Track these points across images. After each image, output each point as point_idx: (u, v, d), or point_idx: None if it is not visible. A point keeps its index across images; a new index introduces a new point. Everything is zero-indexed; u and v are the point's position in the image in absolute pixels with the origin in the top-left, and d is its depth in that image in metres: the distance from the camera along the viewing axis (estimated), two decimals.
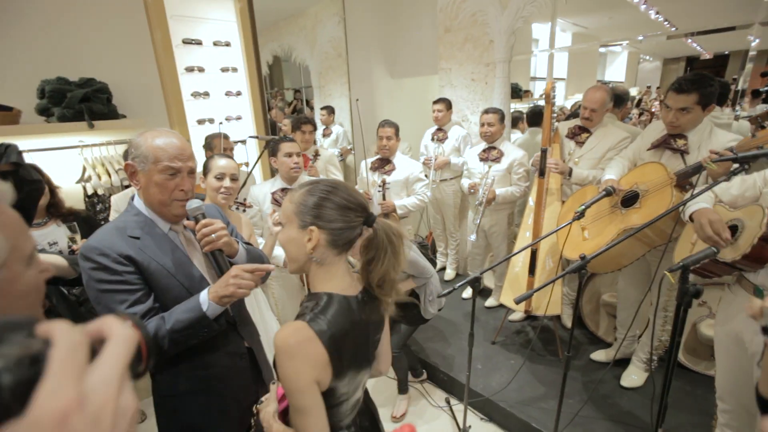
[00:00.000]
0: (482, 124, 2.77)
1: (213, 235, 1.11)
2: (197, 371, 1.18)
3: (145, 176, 1.08)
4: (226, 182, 1.73)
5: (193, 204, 1.12)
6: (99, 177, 2.31)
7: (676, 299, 1.19)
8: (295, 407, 0.83)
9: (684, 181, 1.70)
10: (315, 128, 3.12)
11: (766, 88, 3.02)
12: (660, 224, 1.63)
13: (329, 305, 0.88)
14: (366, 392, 1.10)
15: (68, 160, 2.33)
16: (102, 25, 2.45)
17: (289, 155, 2.12)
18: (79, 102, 2.22)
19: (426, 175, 2.79)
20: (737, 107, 2.38)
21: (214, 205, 1.37)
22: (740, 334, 1.37)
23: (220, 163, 1.75)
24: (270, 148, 2.17)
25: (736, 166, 1.19)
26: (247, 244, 1.34)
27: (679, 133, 1.80)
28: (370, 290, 0.94)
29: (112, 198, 2.16)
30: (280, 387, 1.05)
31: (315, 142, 3.21)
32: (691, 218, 1.40)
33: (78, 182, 2.34)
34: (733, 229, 1.36)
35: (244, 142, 3.11)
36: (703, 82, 1.65)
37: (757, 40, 2.23)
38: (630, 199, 1.87)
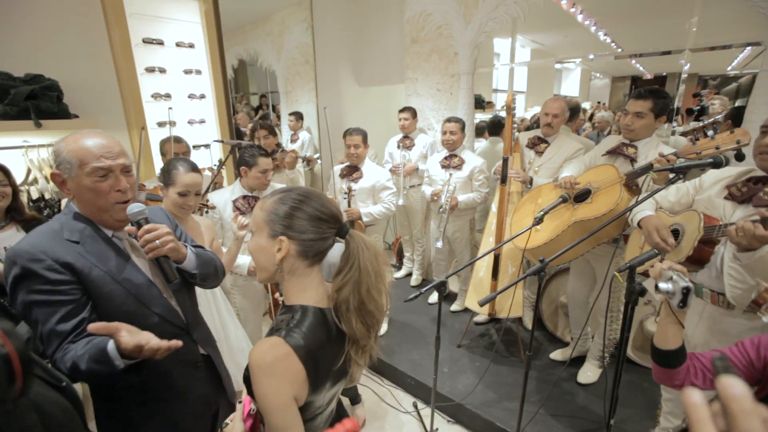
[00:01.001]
0: (444, 132, 2.86)
1: (157, 242, 1.03)
2: (147, 383, 1.08)
3: (75, 183, 0.99)
4: (190, 200, 1.64)
5: (135, 208, 1.03)
6: (47, 180, 2.16)
7: (624, 298, 1.28)
8: (273, 426, 0.79)
9: (632, 182, 1.87)
10: (271, 133, 3.09)
11: (697, 107, 3.36)
12: (608, 226, 1.76)
13: (304, 318, 0.85)
14: (339, 402, 1.09)
15: (10, 161, 2.16)
16: (53, 19, 2.31)
17: (264, 172, 2.07)
18: (25, 99, 2.08)
19: (394, 183, 2.81)
20: (674, 123, 2.63)
21: (160, 208, 1.30)
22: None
23: (186, 180, 1.62)
24: (246, 159, 2.08)
25: (673, 175, 1.31)
26: (198, 247, 1.28)
27: (631, 143, 1.98)
28: (336, 318, 0.88)
29: (63, 202, 2.03)
30: (245, 404, 1.02)
31: (278, 146, 3.17)
32: (639, 225, 1.53)
33: (21, 185, 2.17)
34: (675, 233, 1.50)
35: (207, 146, 3.02)
36: (659, 93, 1.88)
37: (688, 65, 2.49)
38: (582, 196, 2.02)
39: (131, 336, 0.85)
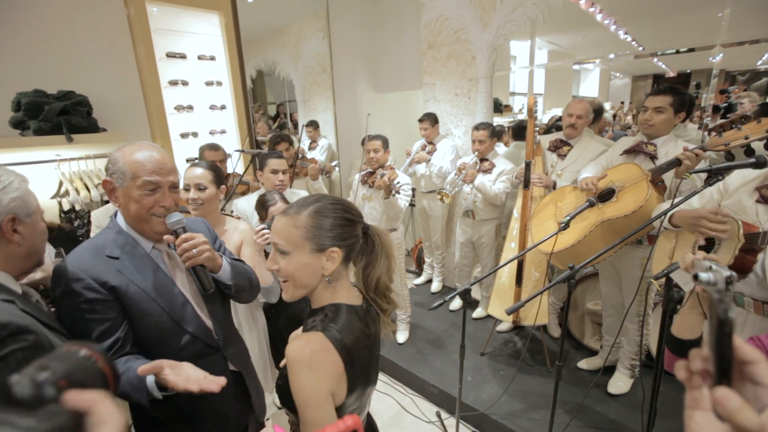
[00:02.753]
0: (473, 141, 2.82)
1: (194, 250, 1.06)
2: (175, 398, 1.10)
3: (124, 193, 1.03)
4: (191, 193, 1.64)
5: (174, 218, 1.07)
6: (78, 192, 2.23)
7: (661, 305, 1.23)
8: (308, 422, 0.78)
9: (657, 178, 1.82)
10: (291, 145, 3.12)
11: (724, 104, 3.24)
12: (636, 223, 1.71)
13: (338, 314, 0.86)
14: (369, 415, 1.07)
15: (43, 174, 2.24)
16: (83, 38, 2.40)
17: (275, 172, 2.09)
18: (58, 115, 2.16)
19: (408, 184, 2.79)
20: (706, 119, 2.55)
21: (201, 220, 1.31)
22: None
23: (185, 174, 1.66)
24: (258, 162, 2.15)
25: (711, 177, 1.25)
26: (236, 259, 1.28)
27: (650, 141, 1.94)
28: (370, 301, 0.94)
29: (93, 213, 2.08)
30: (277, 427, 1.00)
31: (297, 156, 3.19)
32: (671, 223, 1.45)
33: (53, 197, 2.25)
34: (710, 242, 1.42)
35: (229, 155, 3.07)
36: (678, 89, 1.87)
37: (720, 56, 2.40)
38: (606, 195, 1.97)
39: (176, 374, 0.88)
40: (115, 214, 1.10)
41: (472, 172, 2.74)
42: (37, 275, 1.08)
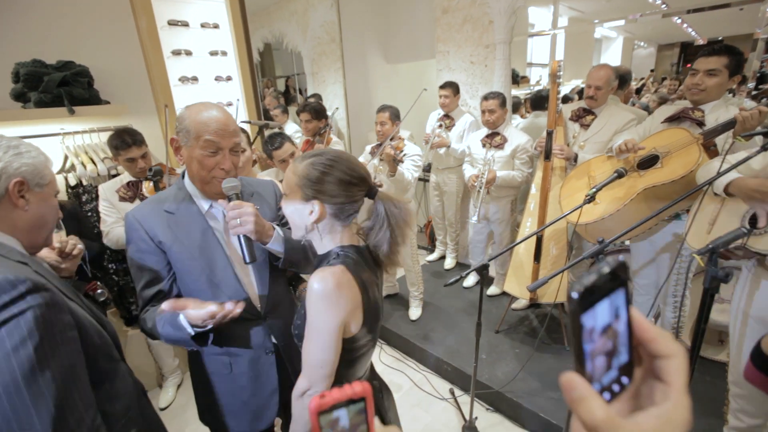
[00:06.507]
0: (483, 112, 2.66)
1: (238, 220, 1.04)
2: (222, 356, 1.18)
3: (188, 151, 1.05)
4: None
5: (229, 182, 1.06)
6: (84, 166, 2.18)
7: (702, 284, 1.13)
8: (312, 350, 0.85)
9: (709, 142, 1.65)
10: (314, 117, 2.99)
11: (757, 73, 3.03)
12: (682, 190, 1.55)
13: (349, 253, 0.91)
14: (374, 373, 1.12)
15: (49, 148, 2.18)
16: (80, 4, 2.29)
17: (283, 161, 2.08)
18: (58, 86, 2.08)
19: (419, 155, 2.65)
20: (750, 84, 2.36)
21: (271, 182, 1.30)
22: (762, 312, 1.32)
23: None
24: (266, 151, 2.15)
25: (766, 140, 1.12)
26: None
27: (697, 106, 1.74)
28: (370, 254, 0.98)
29: (100, 187, 2.03)
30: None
31: (326, 126, 3.06)
32: (726, 192, 1.32)
33: (59, 172, 2.20)
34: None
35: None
36: (735, 49, 1.66)
37: None
38: (647, 162, 1.80)
39: (196, 311, 0.95)
40: (183, 173, 1.14)
41: (492, 173, 2.59)
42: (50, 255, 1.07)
